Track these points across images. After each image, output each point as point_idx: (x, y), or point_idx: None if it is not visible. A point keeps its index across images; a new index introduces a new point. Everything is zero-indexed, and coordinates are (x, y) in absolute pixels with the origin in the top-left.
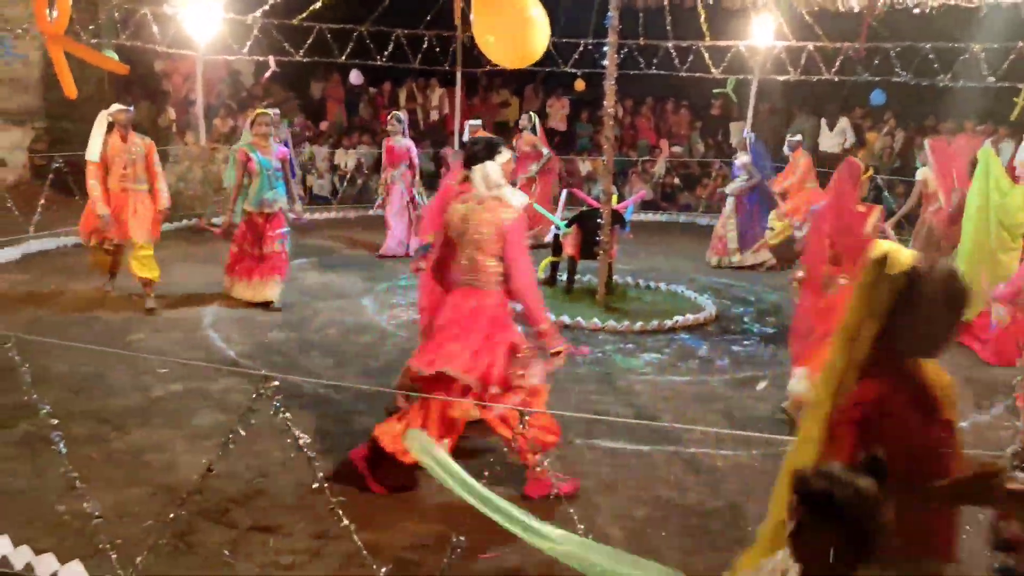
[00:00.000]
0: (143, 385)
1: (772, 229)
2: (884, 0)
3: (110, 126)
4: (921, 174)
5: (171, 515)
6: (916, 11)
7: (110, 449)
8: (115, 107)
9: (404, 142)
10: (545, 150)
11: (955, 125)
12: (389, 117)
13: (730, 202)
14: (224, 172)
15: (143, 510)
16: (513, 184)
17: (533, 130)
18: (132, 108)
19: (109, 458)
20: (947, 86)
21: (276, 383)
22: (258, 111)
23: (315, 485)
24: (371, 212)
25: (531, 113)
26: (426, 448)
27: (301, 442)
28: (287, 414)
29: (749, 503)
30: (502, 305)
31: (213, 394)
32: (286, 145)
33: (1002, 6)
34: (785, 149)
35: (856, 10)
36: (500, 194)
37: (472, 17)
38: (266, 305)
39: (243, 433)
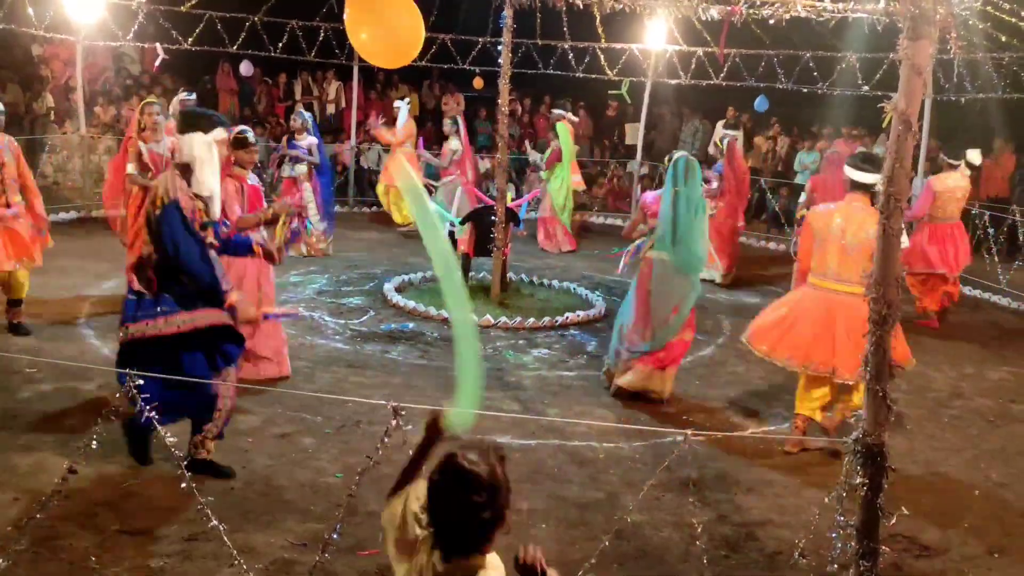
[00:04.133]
0: (10, 386)
1: None
2: (741, 11)
3: None
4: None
5: (28, 519)
6: (771, 22)
7: None
8: None
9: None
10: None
11: (834, 131)
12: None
13: (308, 188)
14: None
15: (4, 515)
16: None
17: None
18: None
19: None
20: (826, 93)
21: (142, 381)
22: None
23: (183, 485)
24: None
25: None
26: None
27: (168, 441)
28: (154, 413)
29: (627, 493)
30: None
31: (84, 394)
32: None
33: (849, 20)
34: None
35: (717, 18)
36: None
37: (345, 14)
38: None
39: (108, 435)
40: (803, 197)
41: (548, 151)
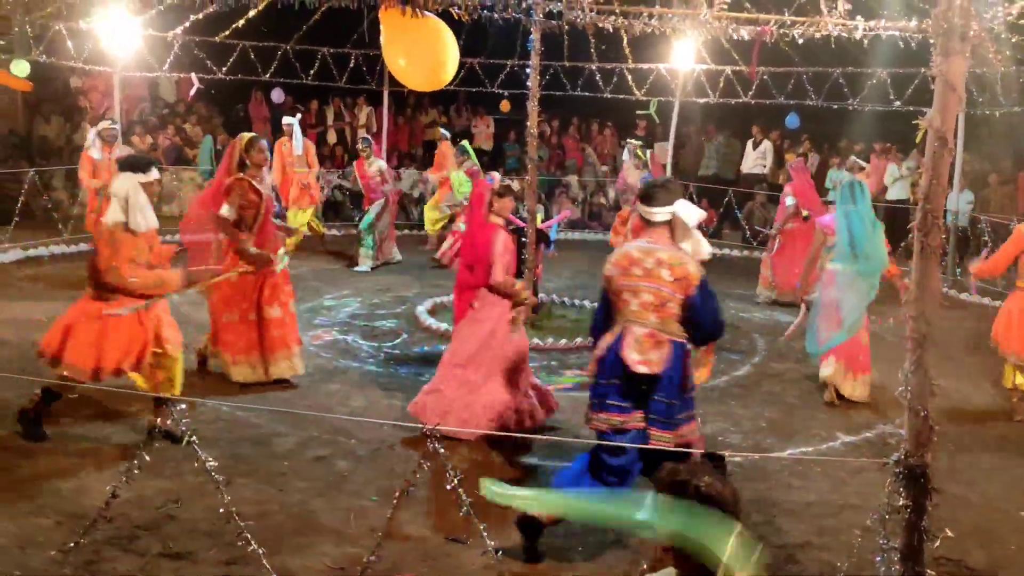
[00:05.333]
0: (52, 411)
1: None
2: (772, 31)
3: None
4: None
5: (73, 543)
6: (800, 40)
7: (15, 478)
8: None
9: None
10: None
11: (865, 147)
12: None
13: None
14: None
15: (48, 539)
16: None
17: None
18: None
19: (13, 487)
20: (856, 109)
21: (183, 406)
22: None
23: (221, 510)
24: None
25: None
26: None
27: (209, 465)
28: (194, 438)
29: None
30: None
31: (125, 418)
32: None
33: (882, 37)
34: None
35: (748, 38)
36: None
37: (383, 40)
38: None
39: (149, 459)
40: (790, 201)
41: (460, 172)
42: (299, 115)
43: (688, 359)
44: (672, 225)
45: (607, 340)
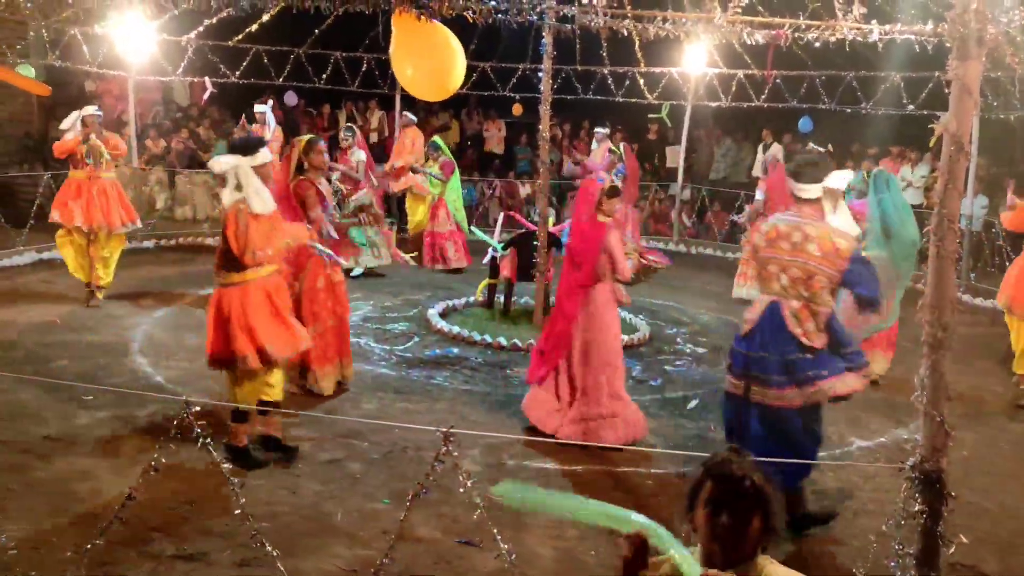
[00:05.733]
0: (67, 412)
1: None
2: (787, 34)
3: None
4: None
5: (87, 545)
6: (817, 44)
7: (31, 479)
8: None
9: None
10: None
11: (880, 150)
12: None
13: None
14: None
15: (62, 540)
16: None
17: None
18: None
19: (30, 488)
20: (869, 113)
21: (197, 408)
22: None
23: (237, 511)
24: None
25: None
26: (515, 493)
27: (223, 468)
28: (209, 440)
29: (676, 520)
30: None
31: (139, 421)
32: None
33: (897, 41)
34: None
35: (762, 42)
36: None
37: (391, 50)
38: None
39: (164, 460)
40: (759, 195)
41: (435, 167)
42: (271, 102)
43: (837, 324)
44: (823, 199)
45: (757, 312)
